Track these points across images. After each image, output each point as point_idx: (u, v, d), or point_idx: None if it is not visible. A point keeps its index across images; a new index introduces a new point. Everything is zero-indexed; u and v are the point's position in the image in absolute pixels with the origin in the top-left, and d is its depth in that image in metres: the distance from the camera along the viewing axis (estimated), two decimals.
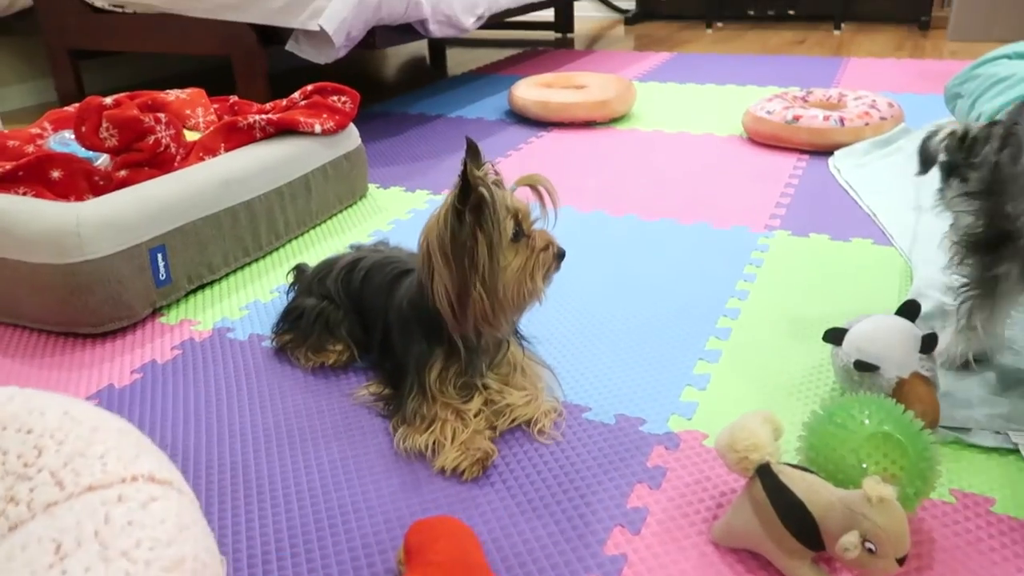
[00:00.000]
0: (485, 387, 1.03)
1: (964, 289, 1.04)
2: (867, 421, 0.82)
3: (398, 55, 3.87)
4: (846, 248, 1.51)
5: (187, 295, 1.39)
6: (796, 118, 2.10)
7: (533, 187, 0.97)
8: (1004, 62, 1.88)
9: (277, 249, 1.58)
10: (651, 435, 0.99)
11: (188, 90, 1.90)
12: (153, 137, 1.43)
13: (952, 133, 1.05)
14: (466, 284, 0.92)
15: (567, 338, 1.22)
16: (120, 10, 2.44)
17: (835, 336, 1.03)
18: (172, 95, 1.86)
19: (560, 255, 0.97)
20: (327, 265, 1.22)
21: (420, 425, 0.98)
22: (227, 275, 1.47)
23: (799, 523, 0.75)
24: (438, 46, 4.02)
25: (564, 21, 4.35)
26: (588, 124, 2.44)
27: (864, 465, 0.80)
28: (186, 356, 1.20)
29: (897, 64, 3.17)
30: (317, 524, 0.86)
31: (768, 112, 2.16)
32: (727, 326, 1.25)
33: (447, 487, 0.91)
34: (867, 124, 2.07)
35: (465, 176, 0.88)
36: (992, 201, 0.99)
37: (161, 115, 1.45)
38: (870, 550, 0.70)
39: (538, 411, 1.02)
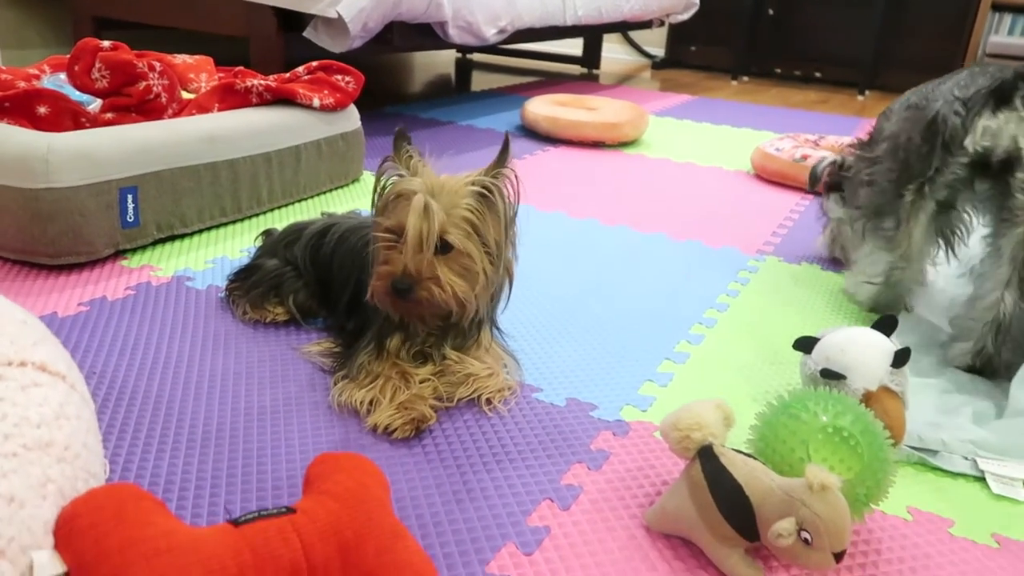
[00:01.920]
0: (444, 357, 0.99)
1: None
2: (824, 417, 0.77)
3: (426, 71, 3.89)
4: (836, 278, 1.47)
5: (154, 243, 1.35)
6: (804, 157, 2.06)
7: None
8: None
9: (256, 215, 1.55)
10: (600, 420, 0.94)
11: (196, 56, 1.90)
12: (144, 83, 1.41)
13: (833, 162, 1.53)
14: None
15: (534, 327, 1.18)
16: None
17: (805, 344, 0.98)
18: (179, 59, 1.86)
19: (397, 286, 0.89)
20: (295, 230, 1.18)
21: (363, 379, 0.93)
22: (200, 231, 1.43)
23: (735, 508, 0.69)
24: (465, 67, 4.05)
25: (591, 57, 4.37)
26: (597, 145, 2.42)
27: (812, 460, 0.74)
28: (138, 297, 1.17)
29: None
30: (231, 462, 0.81)
31: (777, 149, 2.14)
32: (700, 333, 1.20)
33: (375, 444, 0.86)
34: None
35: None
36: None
37: (156, 63, 1.44)
38: (806, 540, 0.65)
39: (497, 387, 0.97)
